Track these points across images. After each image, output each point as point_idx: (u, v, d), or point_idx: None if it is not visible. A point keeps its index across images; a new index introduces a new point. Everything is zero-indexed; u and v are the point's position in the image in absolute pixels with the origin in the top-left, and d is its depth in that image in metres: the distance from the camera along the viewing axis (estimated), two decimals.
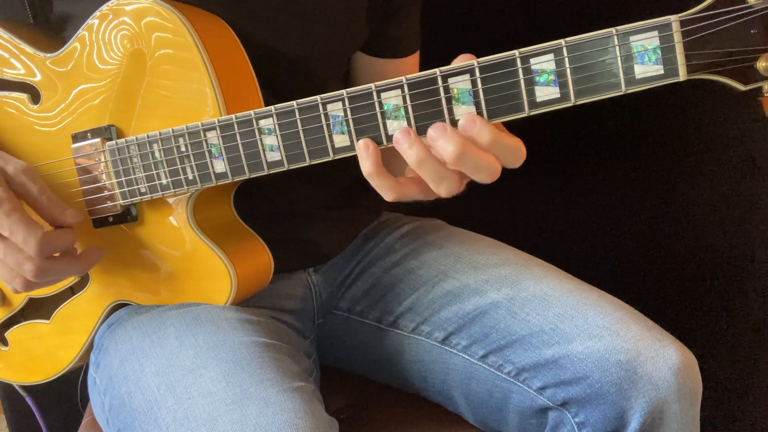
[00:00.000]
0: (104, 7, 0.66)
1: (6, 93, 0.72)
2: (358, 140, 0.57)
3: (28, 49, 0.71)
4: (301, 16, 0.72)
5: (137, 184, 0.66)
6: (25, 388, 0.84)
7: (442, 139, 0.52)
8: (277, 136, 0.59)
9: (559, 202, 1.14)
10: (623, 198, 1.12)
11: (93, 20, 0.67)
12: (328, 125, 0.57)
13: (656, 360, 0.65)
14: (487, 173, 0.53)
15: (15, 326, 0.77)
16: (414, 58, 0.85)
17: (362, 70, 0.83)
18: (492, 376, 0.71)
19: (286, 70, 0.71)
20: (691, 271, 1.11)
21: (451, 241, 0.80)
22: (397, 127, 0.55)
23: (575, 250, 1.07)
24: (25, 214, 0.60)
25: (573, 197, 1.14)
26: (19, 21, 0.75)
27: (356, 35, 0.78)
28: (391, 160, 0.58)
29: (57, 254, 0.64)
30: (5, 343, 0.78)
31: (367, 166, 0.56)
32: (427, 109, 0.54)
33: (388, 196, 0.56)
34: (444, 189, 0.55)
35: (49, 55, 0.70)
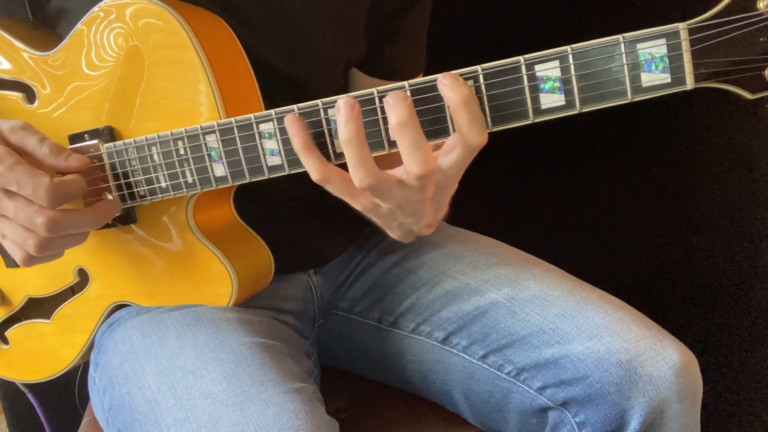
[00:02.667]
0: (101, 5, 0.64)
1: (0, 92, 0.71)
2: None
3: (23, 47, 0.70)
4: (297, 32, 0.70)
5: (136, 187, 0.65)
6: (26, 385, 0.84)
7: (393, 103, 0.52)
8: (277, 140, 0.58)
9: (560, 202, 1.14)
10: (623, 199, 1.12)
11: (89, 18, 0.65)
12: (329, 130, 0.56)
13: (656, 360, 0.65)
14: (420, 156, 0.52)
15: (15, 325, 0.77)
16: None
17: (359, 87, 0.81)
18: (492, 376, 0.72)
19: (280, 83, 0.70)
20: (691, 271, 1.11)
21: (451, 241, 0.80)
22: None
23: (575, 250, 1.07)
24: (29, 165, 0.59)
25: (573, 197, 1.13)
26: (13, 18, 0.74)
27: (352, 53, 0.76)
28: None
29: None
30: (6, 341, 0.78)
31: (295, 143, 0.56)
32: (431, 115, 0.54)
33: (313, 175, 0.56)
34: (358, 178, 0.54)
35: (44, 53, 0.69)
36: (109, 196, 0.66)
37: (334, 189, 0.57)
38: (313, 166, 0.56)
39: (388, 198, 0.56)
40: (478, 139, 0.52)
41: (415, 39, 0.81)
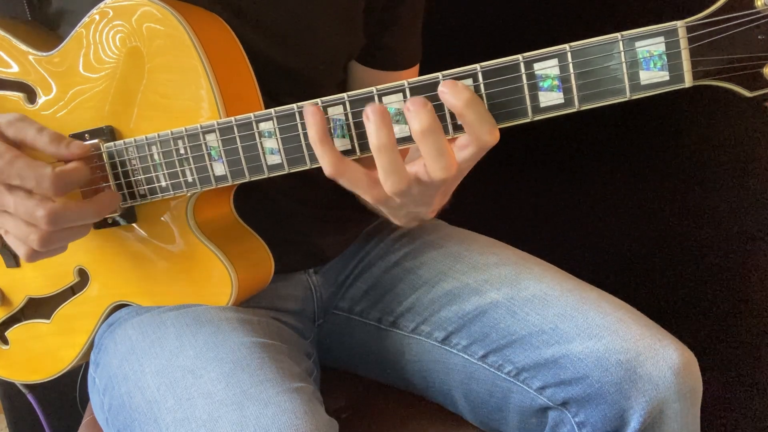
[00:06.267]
0: (101, 6, 0.65)
1: (1, 92, 0.71)
2: (359, 143, 0.56)
3: (24, 47, 0.70)
4: (297, 25, 0.71)
5: (136, 187, 0.65)
6: (26, 386, 0.84)
7: (414, 110, 0.52)
8: (277, 139, 0.58)
9: (559, 202, 1.14)
10: (623, 198, 1.12)
11: (90, 19, 0.66)
12: (329, 128, 0.56)
13: (656, 359, 0.65)
14: (444, 161, 0.52)
15: (15, 325, 0.77)
16: (412, 72, 0.83)
17: (359, 80, 0.82)
18: (492, 376, 0.72)
19: (281, 77, 0.71)
20: (691, 270, 1.11)
21: (451, 240, 0.80)
22: (399, 131, 0.54)
23: (575, 250, 1.07)
24: (29, 158, 0.58)
25: (573, 197, 1.14)
26: (14, 18, 0.74)
27: (352, 45, 0.77)
28: None
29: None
30: (5, 341, 0.78)
31: (312, 134, 0.55)
32: None
33: (326, 169, 0.55)
34: (390, 184, 0.54)
35: (44, 54, 0.69)
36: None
37: (347, 183, 0.56)
38: (327, 159, 0.55)
39: (406, 195, 0.56)
40: (490, 137, 0.52)
41: (411, 26, 0.81)
